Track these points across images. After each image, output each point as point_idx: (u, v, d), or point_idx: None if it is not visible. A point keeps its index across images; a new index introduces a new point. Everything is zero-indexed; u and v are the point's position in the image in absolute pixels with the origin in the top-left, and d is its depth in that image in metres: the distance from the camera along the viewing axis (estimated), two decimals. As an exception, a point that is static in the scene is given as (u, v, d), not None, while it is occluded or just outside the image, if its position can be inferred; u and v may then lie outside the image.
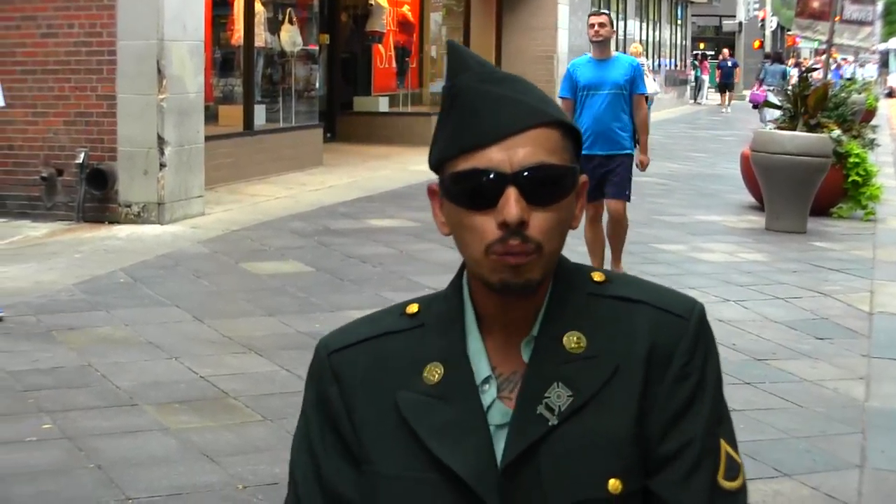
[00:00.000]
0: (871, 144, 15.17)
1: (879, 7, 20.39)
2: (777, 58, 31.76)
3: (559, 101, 9.08)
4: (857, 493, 5.09)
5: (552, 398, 1.57)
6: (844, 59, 49.53)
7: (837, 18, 16.02)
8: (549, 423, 1.56)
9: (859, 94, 20.36)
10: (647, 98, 9.82)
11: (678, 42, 44.63)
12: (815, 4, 16.26)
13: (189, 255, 10.00)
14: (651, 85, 21.59)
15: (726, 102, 41.47)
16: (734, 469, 1.62)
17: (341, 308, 8.02)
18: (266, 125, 15.90)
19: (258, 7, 15.87)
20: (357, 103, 21.55)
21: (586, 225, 9.18)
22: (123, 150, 11.56)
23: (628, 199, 9.20)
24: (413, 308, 1.71)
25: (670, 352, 1.60)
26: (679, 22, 44.54)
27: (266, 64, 16.39)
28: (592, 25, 9.16)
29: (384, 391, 1.64)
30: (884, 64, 67.25)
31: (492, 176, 1.54)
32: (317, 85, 18.07)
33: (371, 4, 21.72)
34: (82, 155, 11.59)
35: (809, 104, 12.91)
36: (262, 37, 16.05)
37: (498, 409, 1.60)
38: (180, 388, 6.27)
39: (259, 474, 5.05)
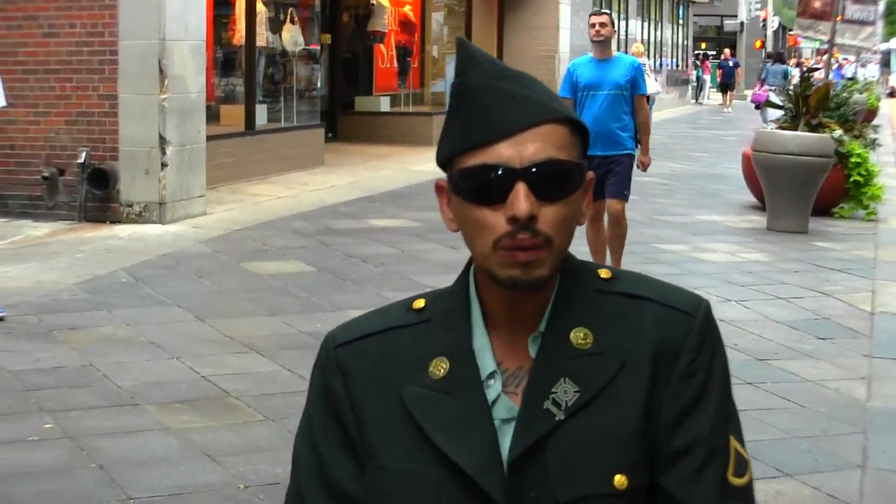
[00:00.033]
0: (873, 144, 15.18)
1: (881, 7, 20.39)
2: (778, 58, 31.73)
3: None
4: (858, 494, 5.09)
5: (559, 393, 1.58)
6: (846, 59, 49.49)
7: (839, 18, 16.02)
8: (556, 419, 1.57)
9: (861, 93, 20.36)
10: (648, 98, 9.82)
11: (680, 42, 44.62)
12: (817, 4, 16.26)
13: (190, 255, 10.00)
14: (653, 85, 21.58)
15: (728, 102, 41.46)
16: (742, 465, 1.63)
17: (343, 308, 8.02)
18: (267, 125, 15.90)
19: (260, 7, 15.87)
20: (358, 103, 21.55)
21: (587, 225, 9.16)
22: (125, 149, 11.57)
23: (626, 199, 9.18)
24: (420, 303, 1.72)
25: (677, 349, 1.61)
26: (681, 22, 44.53)
27: (268, 64, 16.40)
28: (593, 25, 9.11)
29: (390, 385, 1.65)
30: (885, 64, 67.23)
31: (501, 171, 1.55)
32: (318, 85, 18.07)
33: (373, 4, 21.72)
34: (84, 154, 11.60)
35: (811, 104, 12.91)
36: (263, 36, 16.05)
37: (503, 403, 1.61)
38: (182, 388, 6.27)
39: (260, 474, 5.05)
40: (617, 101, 8.93)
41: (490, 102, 1.59)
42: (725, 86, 42.04)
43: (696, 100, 46.55)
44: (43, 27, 11.82)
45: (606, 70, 9.00)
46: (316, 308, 8.19)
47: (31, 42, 11.87)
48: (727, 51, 45.50)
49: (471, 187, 1.58)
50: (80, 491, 4.86)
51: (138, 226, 11.29)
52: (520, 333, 1.63)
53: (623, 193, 9.08)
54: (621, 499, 1.56)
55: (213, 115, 14.15)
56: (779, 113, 14.34)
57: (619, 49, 28.43)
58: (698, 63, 47.84)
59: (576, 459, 1.56)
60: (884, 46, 62.96)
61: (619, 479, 1.56)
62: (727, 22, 58.61)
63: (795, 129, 12.72)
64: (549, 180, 1.56)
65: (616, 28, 10.96)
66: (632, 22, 34.87)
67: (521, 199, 1.54)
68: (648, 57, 32.03)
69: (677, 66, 43.99)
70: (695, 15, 49.53)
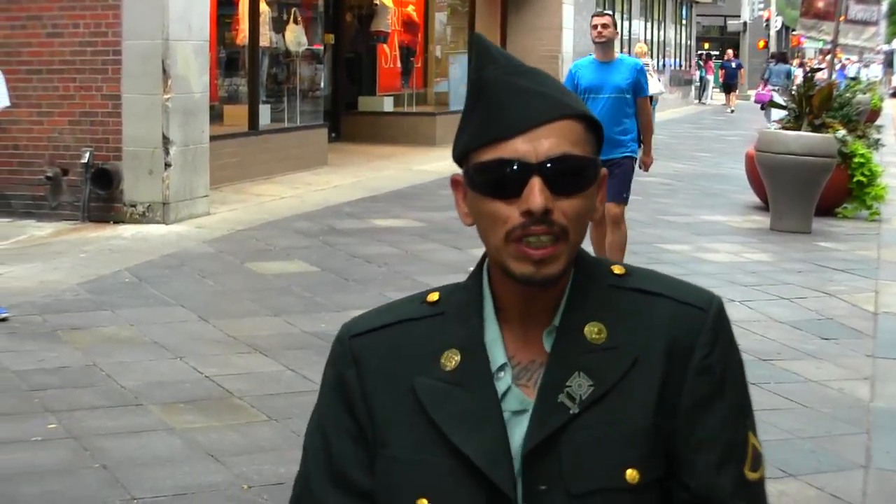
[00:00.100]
0: (876, 144, 15.16)
1: (884, 7, 20.39)
2: (781, 57, 31.76)
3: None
4: (861, 494, 5.09)
5: (573, 387, 1.60)
6: (848, 59, 49.51)
7: (842, 18, 16.02)
8: (570, 412, 1.59)
9: (864, 94, 20.33)
10: (651, 98, 9.81)
11: (683, 42, 44.60)
12: (820, 4, 16.25)
13: (194, 255, 10.00)
14: (656, 85, 21.60)
15: (730, 103, 41.42)
16: (757, 460, 1.66)
17: (346, 308, 8.02)
18: (271, 125, 15.91)
19: (263, 7, 15.88)
20: (362, 103, 21.55)
21: (591, 226, 9.15)
22: (128, 149, 11.58)
23: (625, 202, 9.16)
24: (434, 296, 1.74)
25: (691, 344, 1.63)
26: (684, 22, 44.50)
27: (271, 64, 16.40)
28: (595, 26, 9.04)
29: (402, 376, 1.67)
30: (889, 64, 67.18)
31: (517, 166, 1.57)
32: (322, 85, 18.08)
33: (376, 4, 21.72)
34: (87, 155, 11.61)
35: (814, 104, 12.90)
36: (267, 36, 16.06)
37: (515, 395, 1.63)
38: (185, 388, 6.28)
39: (264, 474, 5.05)
40: (618, 105, 8.87)
41: (506, 98, 1.61)
42: (728, 86, 42.02)
43: (700, 100, 46.53)
44: (47, 27, 11.83)
45: (608, 73, 8.95)
46: (319, 308, 8.19)
47: (34, 42, 11.88)
48: (730, 51, 45.47)
49: (486, 182, 1.60)
50: (83, 491, 4.87)
51: (142, 226, 11.30)
52: (532, 327, 1.65)
53: (622, 196, 9.04)
54: (633, 493, 1.58)
55: (216, 115, 14.16)
56: (782, 113, 14.33)
57: (622, 49, 28.45)
58: (702, 63, 47.83)
59: (589, 453, 1.58)
60: (887, 47, 62.90)
61: (631, 474, 1.58)
62: (730, 22, 58.61)
63: (799, 130, 12.72)
64: (563, 175, 1.58)
65: (618, 29, 10.94)
66: (635, 22, 34.85)
67: (536, 193, 1.56)
68: (652, 57, 32.01)
69: (680, 66, 43.97)
70: (698, 15, 49.51)
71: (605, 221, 9.21)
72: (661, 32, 39.90)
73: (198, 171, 11.96)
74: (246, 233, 11.09)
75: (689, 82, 45.93)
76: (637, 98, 9.03)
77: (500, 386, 1.63)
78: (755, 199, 14.33)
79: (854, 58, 50.69)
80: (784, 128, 13.16)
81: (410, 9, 22.82)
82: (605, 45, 9.04)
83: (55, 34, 11.80)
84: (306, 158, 16.11)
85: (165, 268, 9.42)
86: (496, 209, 1.59)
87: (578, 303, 1.65)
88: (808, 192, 12.24)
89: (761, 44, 55.15)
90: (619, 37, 28.00)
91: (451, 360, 1.65)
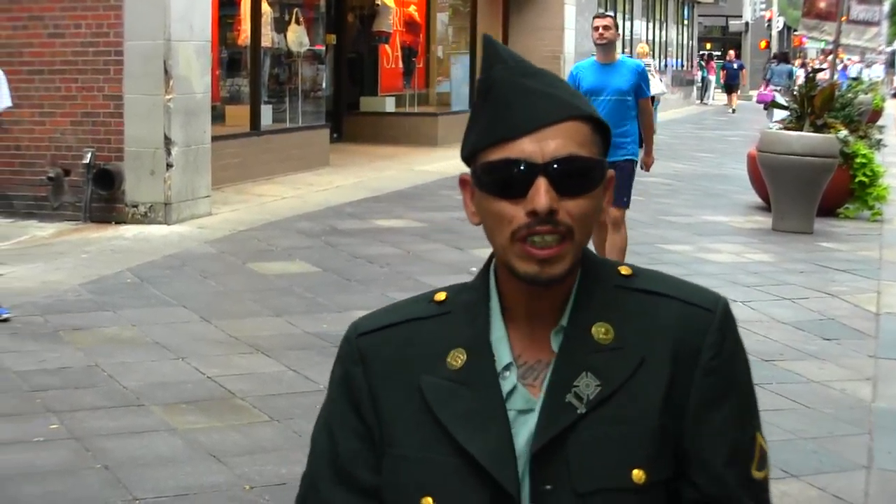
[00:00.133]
0: (878, 145, 15.15)
1: (886, 7, 20.39)
2: (783, 58, 31.76)
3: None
4: (863, 494, 5.09)
5: (581, 387, 1.61)
6: (850, 60, 49.49)
7: (844, 19, 16.02)
8: (578, 412, 1.60)
9: (866, 94, 20.32)
10: (653, 98, 9.79)
11: (685, 42, 44.60)
12: (822, 5, 16.26)
13: (196, 256, 10.00)
14: (657, 85, 21.57)
15: (732, 103, 41.40)
16: (764, 459, 1.68)
17: (348, 308, 8.02)
18: (273, 125, 15.91)
19: (265, 7, 15.87)
20: (363, 103, 21.55)
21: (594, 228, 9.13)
22: (130, 150, 11.58)
23: (626, 206, 9.14)
24: (441, 296, 1.75)
25: (698, 345, 1.64)
26: (685, 22, 44.49)
27: (273, 64, 16.40)
28: (597, 28, 9.00)
29: (409, 375, 1.68)
30: (891, 64, 67.17)
31: (523, 166, 1.58)
32: (323, 85, 18.08)
33: (378, 5, 21.72)
34: (89, 155, 11.61)
35: (816, 104, 12.90)
36: (268, 37, 16.06)
37: (521, 394, 1.64)
38: (187, 389, 6.28)
39: (266, 475, 5.05)
40: (619, 107, 8.82)
41: (513, 98, 1.62)
42: (730, 87, 42.00)
43: (701, 100, 46.51)
44: (48, 28, 11.84)
45: (609, 75, 8.91)
46: (321, 308, 8.19)
47: (36, 42, 11.88)
48: (731, 52, 45.45)
49: (493, 181, 1.61)
50: (85, 491, 4.87)
51: (143, 226, 11.30)
52: (539, 327, 1.66)
53: (622, 201, 9.01)
54: (638, 493, 1.59)
55: (218, 116, 14.15)
56: (784, 113, 14.33)
57: (624, 49, 28.46)
58: (703, 64, 47.82)
59: (596, 453, 1.59)
60: (890, 48, 62.88)
61: (637, 474, 1.58)
62: (732, 22, 58.57)
63: (800, 130, 12.72)
64: (569, 176, 1.59)
65: (619, 31, 10.92)
66: (637, 22, 34.84)
67: (541, 193, 1.57)
68: (653, 57, 32.02)
69: (682, 66, 43.98)
70: (700, 15, 49.50)
71: (607, 223, 9.20)
72: (663, 33, 39.90)
73: (199, 171, 11.96)
74: (248, 233, 11.09)
75: (691, 83, 45.92)
76: (639, 100, 9.02)
77: (506, 385, 1.64)
78: (757, 200, 14.33)
79: (856, 58, 50.68)
80: (786, 128, 13.16)
81: (412, 9, 22.82)
82: (606, 47, 9.02)
83: (57, 34, 11.81)
84: (308, 159, 16.11)
85: (167, 268, 9.42)
86: (502, 209, 1.60)
87: (585, 303, 1.66)
88: (809, 192, 12.24)
89: (763, 44, 55.14)
90: (621, 37, 27.97)
91: (458, 359, 1.66)
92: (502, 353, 1.66)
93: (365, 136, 20.23)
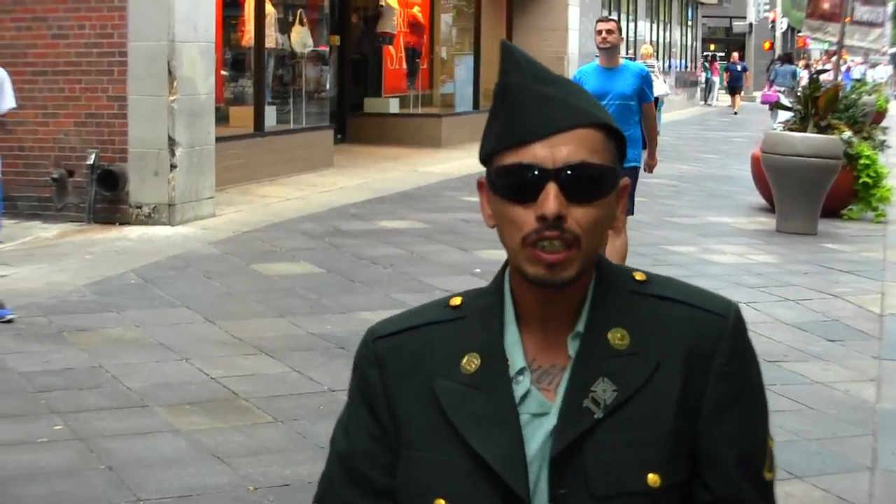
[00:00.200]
0: (882, 146, 15.14)
1: (890, 9, 20.35)
2: (787, 59, 31.78)
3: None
4: (867, 495, 5.08)
5: (598, 392, 1.63)
6: (853, 61, 49.38)
7: (848, 20, 16.02)
8: (595, 416, 1.62)
9: (870, 95, 20.31)
10: (657, 100, 9.78)
11: (688, 43, 44.59)
12: (826, 6, 16.26)
13: (200, 257, 10.01)
14: (661, 86, 21.58)
15: (736, 105, 41.38)
16: (773, 461, 1.72)
17: (352, 309, 8.03)
18: (277, 126, 15.91)
19: (269, 8, 15.88)
20: (367, 104, 21.54)
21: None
22: (134, 151, 11.58)
23: (629, 212, 9.11)
24: (456, 301, 1.77)
25: (711, 350, 1.66)
26: (689, 23, 44.50)
27: (277, 65, 16.41)
28: (600, 32, 8.93)
29: (424, 378, 1.70)
30: (895, 65, 67.07)
31: (535, 172, 1.60)
32: (327, 86, 18.08)
33: (382, 6, 21.71)
34: (93, 156, 11.62)
35: (820, 106, 12.89)
36: (272, 38, 16.06)
37: (535, 397, 1.65)
38: (191, 390, 6.28)
39: (269, 476, 5.05)
40: (622, 112, 8.74)
41: (528, 104, 1.64)
42: (733, 88, 42.00)
43: (705, 101, 46.51)
44: (52, 29, 11.85)
45: (612, 79, 8.85)
46: (325, 309, 8.19)
47: (40, 44, 11.89)
48: (735, 54, 45.45)
49: (506, 185, 1.63)
50: (89, 492, 4.87)
51: (147, 227, 11.31)
52: (552, 331, 1.68)
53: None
54: (653, 496, 1.61)
55: (222, 117, 14.16)
56: (788, 114, 14.32)
57: (628, 50, 28.46)
58: (707, 65, 47.80)
59: (612, 457, 1.61)
60: (893, 49, 62.76)
61: (653, 478, 1.60)
62: (736, 23, 58.55)
63: (804, 131, 12.71)
64: (580, 183, 1.60)
65: (623, 35, 10.89)
66: (640, 23, 34.85)
67: (550, 199, 1.58)
68: (657, 58, 32.00)
69: (686, 67, 43.97)
70: (703, 16, 49.48)
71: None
72: (667, 34, 39.90)
73: (203, 172, 11.97)
74: (251, 234, 11.10)
75: (695, 84, 45.91)
76: (642, 104, 8.99)
77: (519, 389, 1.65)
78: (761, 201, 14.32)
79: (859, 59, 50.57)
80: (790, 129, 13.15)
81: (416, 10, 22.82)
82: (609, 51, 8.98)
83: (61, 36, 11.81)
84: (312, 160, 16.11)
85: (171, 269, 9.43)
86: (514, 213, 1.62)
87: (601, 308, 1.68)
88: (813, 193, 12.23)
89: (767, 45, 55.17)
90: (625, 38, 27.96)
91: (472, 363, 1.68)
92: (516, 357, 1.67)
93: (369, 138, 20.23)
